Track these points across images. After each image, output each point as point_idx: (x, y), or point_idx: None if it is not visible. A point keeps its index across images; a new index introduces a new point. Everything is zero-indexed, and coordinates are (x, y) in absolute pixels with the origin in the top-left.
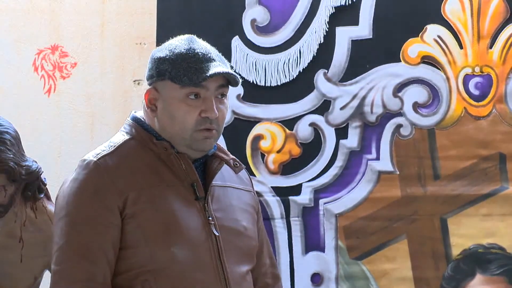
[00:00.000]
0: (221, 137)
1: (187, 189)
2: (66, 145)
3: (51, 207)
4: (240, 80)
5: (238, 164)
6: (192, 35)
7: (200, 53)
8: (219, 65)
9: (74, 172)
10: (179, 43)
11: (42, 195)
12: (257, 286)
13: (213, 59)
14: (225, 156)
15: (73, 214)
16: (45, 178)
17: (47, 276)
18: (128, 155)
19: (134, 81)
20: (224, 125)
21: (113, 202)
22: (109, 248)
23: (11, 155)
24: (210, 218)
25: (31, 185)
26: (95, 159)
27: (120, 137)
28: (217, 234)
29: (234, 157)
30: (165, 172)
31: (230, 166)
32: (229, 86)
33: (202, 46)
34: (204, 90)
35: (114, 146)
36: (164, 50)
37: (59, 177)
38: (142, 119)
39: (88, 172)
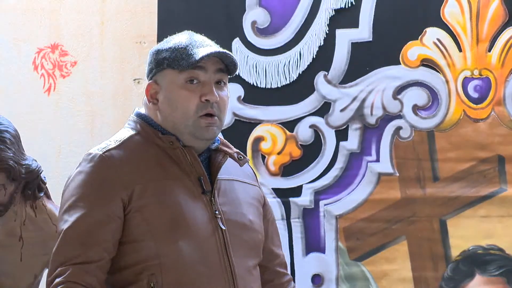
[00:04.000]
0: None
1: (193, 183)
2: (66, 144)
3: (51, 206)
4: (238, 64)
5: (242, 157)
6: (189, 30)
7: (197, 40)
8: (216, 48)
9: (80, 165)
10: (176, 36)
11: (42, 194)
12: (273, 276)
13: (210, 45)
14: (229, 150)
15: (76, 204)
16: (45, 177)
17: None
18: (134, 149)
19: (134, 80)
20: (225, 127)
21: (118, 195)
22: (109, 237)
23: (11, 154)
24: (217, 212)
25: (31, 183)
26: (100, 152)
27: (125, 132)
28: (223, 228)
29: (237, 150)
30: (171, 166)
31: (234, 159)
32: (228, 77)
33: (199, 36)
34: (202, 72)
35: (120, 140)
36: (162, 43)
37: (59, 175)
38: (146, 115)
39: (94, 165)
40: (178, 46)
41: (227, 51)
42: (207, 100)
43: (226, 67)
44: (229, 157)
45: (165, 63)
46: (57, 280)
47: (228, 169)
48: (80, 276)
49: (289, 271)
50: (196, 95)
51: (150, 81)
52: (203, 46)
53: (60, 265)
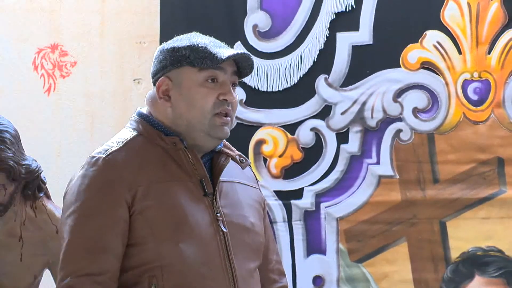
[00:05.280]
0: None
1: (195, 185)
2: (65, 144)
3: (50, 206)
4: (254, 67)
5: (244, 160)
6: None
7: (214, 41)
8: (236, 50)
9: (82, 168)
10: (189, 36)
11: (41, 194)
12: (265, 281)
13: (227, 46)
14: (231, 152)
15: (81, 210)
16: (44, 177)
17: (46, 275)
18: (137, 151)
19: (134, 80)
20: None
21: (122, 197)
22: (117, 243)
23: (11, 154)
24: (218, 214)
25: (30, 184)
26: (104, 156)
27: (128, 133)
28: (225, 230)
29: (239, 153)
30: (173, 168)
31: (236, 161)
32: (238, 79)
33: (212, 38)
34: (222, 73)
35: (122, 142)
36: (175, 42)
37: (59, 176)
38: (149, 115)
39: (97, 169)
40: (198, 45)
41: (249, 54)
42: (225, 99)
43: (238, 71)
44: (231, 159)
45: (184, 61)
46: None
47: (230, 171)
48: (90, 280)
49: (286, 277)
50: (214, 93)
51: (162, 77)
52: (221, 47)
53: (69, 275)
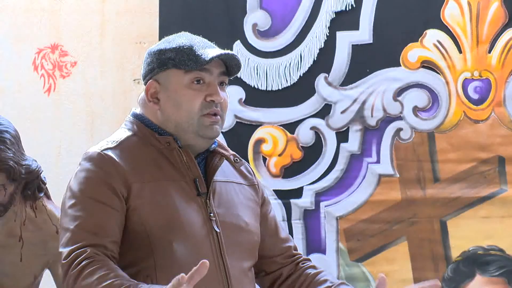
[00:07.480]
0: (224, 140)
1: (189, 185)
2: (66, 144)
3: (51, 206)
4: (241, 66)
5: (239, 160)
6: (188, 32)
7: (201, 41)
8: (221, 50)
9: (79, 165)
10: (177, 37)
11: (42, 194)
12: (298, 265)
13: (214, 46)
14: (226, 152)
15: (81, 200)
16: (44, 177)
17: (46, 275)
18: (131, 150)
19: (134, 80)
20: (226, 129)
21: (118, 189)
22: (116, 230)
23: (11, 154)
24: (212, 214)
25: (31, 184)
26: (99, 151)
27: (122, 133)
28: (218, 230)
29: (234, 152)
30: (167, 167)
31: (231, 161)
32: (228, 78)
33: (199, 37)
34: (208, 74)
35: (117, 141)
36: (163, 43)
37: (59, 176)
38: (143, 115)
39: (93, 163)
40: (183, 46)
41: (235, 54)
42: (212, 100)
43: (226, 69)
44: (225, 159)
45: (169, 63)
46: (78, 252)
47: (224, 171)
48: (100, 250)
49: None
50: (201, 95)
51: (151, 80)
52: (207, 47)
53: (72, 252)
